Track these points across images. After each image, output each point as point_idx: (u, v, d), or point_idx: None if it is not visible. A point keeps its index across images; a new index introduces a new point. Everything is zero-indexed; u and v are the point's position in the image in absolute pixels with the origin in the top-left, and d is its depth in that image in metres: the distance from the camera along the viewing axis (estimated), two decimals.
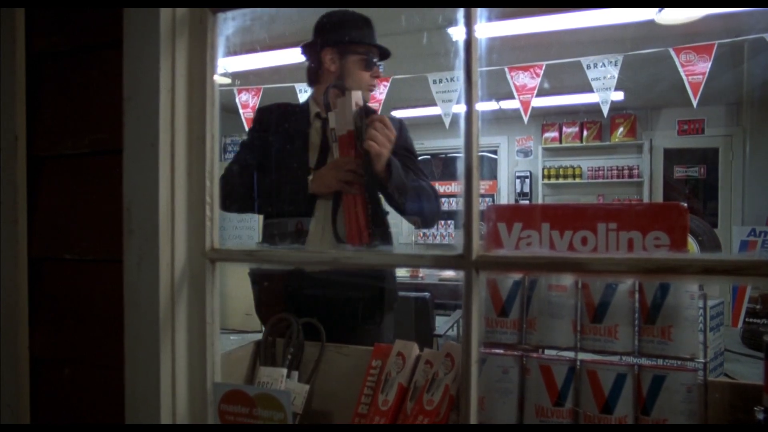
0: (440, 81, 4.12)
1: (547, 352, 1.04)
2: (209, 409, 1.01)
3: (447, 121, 4.09)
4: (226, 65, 3.81)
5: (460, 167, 0.83)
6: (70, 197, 1.12)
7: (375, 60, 1.73)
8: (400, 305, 3.08)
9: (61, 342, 1.13)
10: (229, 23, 1.00)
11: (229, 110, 4.73)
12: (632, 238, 1.00)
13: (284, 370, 1.25)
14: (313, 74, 1.78)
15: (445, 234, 7.21)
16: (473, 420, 0.81)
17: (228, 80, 4.41)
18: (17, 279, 1.12)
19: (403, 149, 1.73)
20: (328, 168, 1.59)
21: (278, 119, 1.79)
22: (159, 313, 0.98)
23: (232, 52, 1.06)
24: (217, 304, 1.04)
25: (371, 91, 1.78)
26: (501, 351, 1.05)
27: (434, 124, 6.21)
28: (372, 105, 4.28)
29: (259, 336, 1.38)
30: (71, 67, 1.08)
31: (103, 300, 1.06)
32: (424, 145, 7.16)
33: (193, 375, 1.03)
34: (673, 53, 3.48)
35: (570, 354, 1.01)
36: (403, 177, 1.58)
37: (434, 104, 4.20)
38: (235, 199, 1.76)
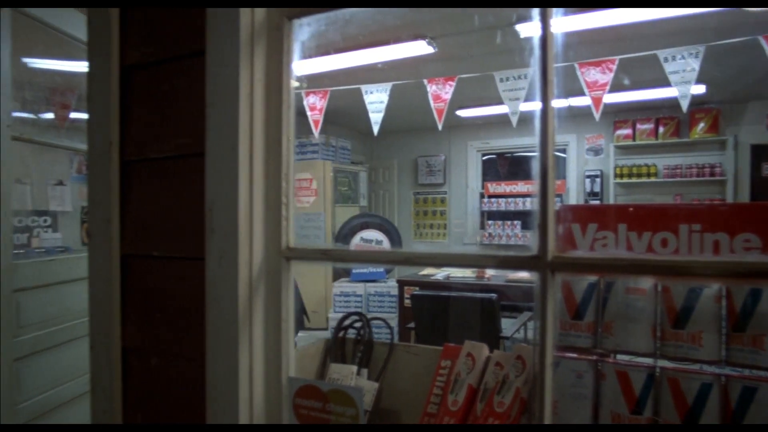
0: (507, 79, 4.04)
1: (622, 357, 1.01)
2: (284, 402, 1.05)
3: (514, 120, 4.01)
4: (295, 68, 3.91)
5: (536, 167, 0.82)
6: (156, 198, 1.19)
7: None
8: (466, 306, 3.06)
9: (148, 334, 1.21)
10: (305, 29, 1.04)
11: (297, 112, 4.86)
12: (718, 240, 0.94)
13: (354, 368, 1.27)
14: None
15: (511, 234, 7.09)
16: (547, 423, 0.80)
17: (296, 83, 4.53)
18: (111, 275, 1.21)
19: None
20: None
21: None
22: (238, 309, 1.02)
23: (306, 56, 1.10)
24: (292, 301, 1.08)
25: None
26: (575, 355, 1.02)
27: (499, 122, 6.12)
28: (438, 104, 4.27)
29: (326, 333, 1.42)
30: (158, 77, 1.15)
31: (186, 295, 1.13)
32: (490, 144, 7.06)
33: (269, 369, 1.07)
34: (763, 42, 3.24)
35: (649, 360, 0.97)
36: None
37: (501, 102, 4.13)
38: None
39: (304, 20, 1.03)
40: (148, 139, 1.18)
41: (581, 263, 0.81)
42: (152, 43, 1.16)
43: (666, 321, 0.96)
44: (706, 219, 0.98)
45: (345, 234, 5.26)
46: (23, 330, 2.02)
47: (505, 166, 8.42)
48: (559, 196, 6.62)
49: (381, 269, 5.19)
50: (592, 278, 1.02)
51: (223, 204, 1.02)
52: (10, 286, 1.95)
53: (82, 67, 2.53)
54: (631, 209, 1.08)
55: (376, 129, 4.44)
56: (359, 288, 5.08)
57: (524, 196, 6.80)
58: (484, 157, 7.45)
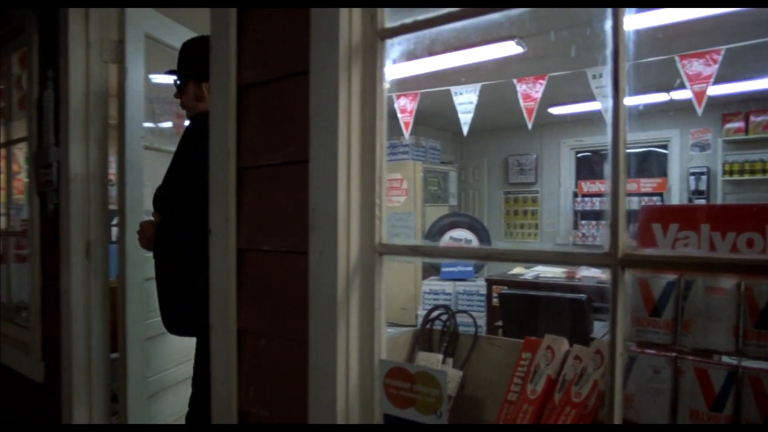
0: (600, 76, 3.95)
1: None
2: (376, 382, 1.18)
3: (608, 117, 3.90)
4: (387, 74, 4.06)
5: (607, 168, 0.88)
6: (267, 200, 1.36)
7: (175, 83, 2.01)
8: (555, 306, 3.05)
9: (259, 318, 1.38)
10: (396, 48, 1.15)
11: (388, 115, 5.02)
12: None
13: (440, 356, 1.37)
14: None
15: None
16: (617, 411, 0.86)
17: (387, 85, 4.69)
18: (229, 266, 1.40)
19: (181, 152, 1.90)
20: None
21: None
22: (336, 298, 1.16)
23: (397, 61, 1.21)
24: (384, 292, 1.20)
25: (192, 109, 2.00)
26: (653, 351, 1.06)
27: (593, 119, 5.93)
28: (528, 104, 4.24)
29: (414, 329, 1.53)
30: (269, 94, 1.32)
31: (291, 284, 1.28)
32: (584, 141, 6.85)
33: (362, 352, 1.20)
34: None
35: (729, 359, 0.98)
36: (156, 240, 1.85)
37: (593, 99, 4.04)
38: None
39: (396, 40, 1.14)
40: (259, 148, 1.36)
41: (651, 260, 0.85)
42: (263, 65, 1.32)
43: (748, 320, 0.97)
44: None
45: (434, 233, 5.36)
46: (152, 314, 2.32)
47: (601, 164, 8.09)
48: (660, 194, 6.28)
49: (470, 268, 5.24)
50: (671, 277, 1.05)
51: (323, 205, 1.16)
52: (142, 275, 2.25)
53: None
54: (714, 209, 1.09)
55: (465, 129, 4.49)
56: (448, 286, 5.15)
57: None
58: (579, 155, 7.23)
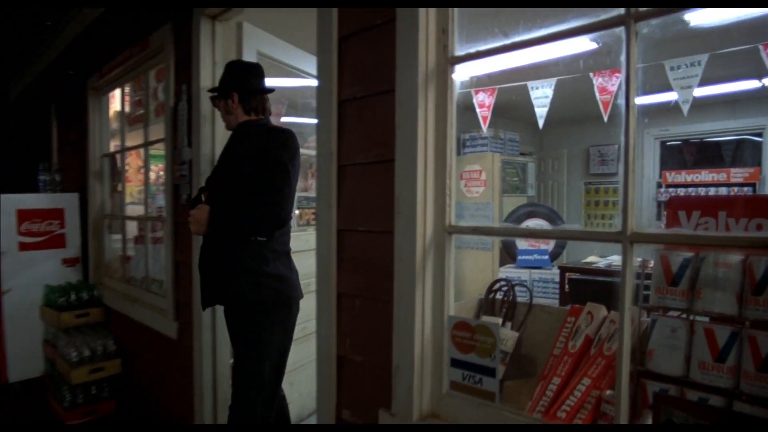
0: (679, 67, 3.99)
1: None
2: (445, 333, 1.50)
3: (685, 108, 3.94)
4: (465, 70, 4.30)
5: (622, 158, 1.13)
6: (360, 190, 1.71)
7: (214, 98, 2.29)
8: (597, 289, 3.22)
9: (354, 283, 1.74)
10: (462, 69, 1.46)
11: (469, 108, 5.25)
12: None
13: (500, 320, 1.67)
14: None
15: None
16: (626, 360, 1.12)
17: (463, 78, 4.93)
18: (330, 243, 1.77)
19: (265, 157, 2.07)
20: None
21: None
22: (415, 268, 1.49)
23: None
24: (452, 264, 1.52)
25: (224, 121, 2.30)
26: (670, 314, 1.30)
27: (678, 109, 5.82)
28: (604, 97, 4.33)
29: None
30: (362, 107, 1.67)
31: (380, 257, 1.63)
32: (670, 131, 6.71)
33: (435, 310, 1.53)
34: None
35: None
36: (216, 222, 2.05)
37: (671, 89, 4.08)
38: None
39: (464, 64, 1.45)
40: (355, 149, 1.71)
41: (653, 237, 1.11)
42: (358, 85, 1.67)
43: (748, 289, 1.19)
44: None
45: (512, 222, 5.54)
46: None
47: (693, 153, 7.83)
48: (752, 185, 6.03)
49: (546, 257, 5.39)
50: (688, 254, 1.28)
51: (406, 194, 1.49)
52: None
53: (290, 83, 3.24)
54: (730, 199, 1.31)
55: (541, 123, 4.64)
56: (524, 274, 5.34)
57: (708, 185, 6.33)
58: (669, 143, 7.05)
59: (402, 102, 1.50)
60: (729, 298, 1.22)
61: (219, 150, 2.64)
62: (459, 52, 1.45)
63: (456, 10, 1.46)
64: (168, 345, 2.92)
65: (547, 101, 4.58)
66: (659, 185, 6.82)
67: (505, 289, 1.75)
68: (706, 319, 1.26)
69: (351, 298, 1.75)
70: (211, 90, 2.33)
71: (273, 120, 3.46)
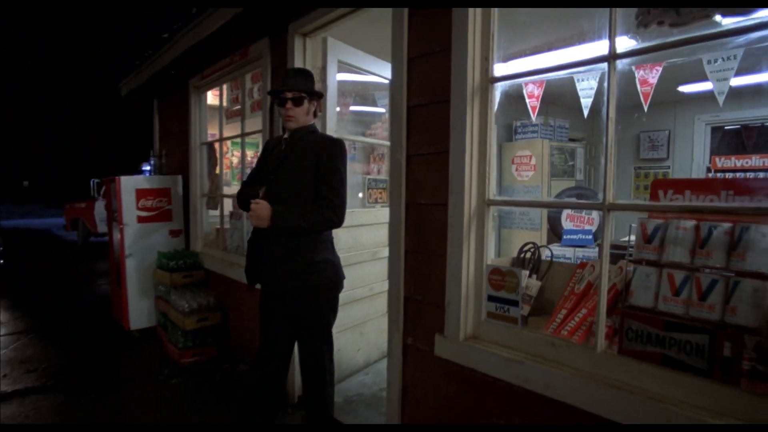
0: (716, 60, 4.31)
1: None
2: (483, 277, 2.07)
3: (721, 99, 4.28)
4: (513, 66, 4.76)
5: (603, 140, 1.66)
6: (423, 174, 2.29)
7: (283, 98, 2.34)
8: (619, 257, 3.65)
9: (416, 242, 2.33)
10: (503, 84, 2.01)
11: (520, 98, 5.70)
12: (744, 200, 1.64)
13: (527, 272, 2.22)
14: None
15: None
16: (603, 297, 1.66)
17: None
18: (400, 213, 2.37)
19: (324, 166, 2.29)
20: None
21: (274, 140, 2.57)
22: (463, 230, 2.06)
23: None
24: (490, 227, 2.08)
25: (288, 120, 2.38)
26: (646, 265, 1.82)
27: (730, 96, 6.01)
28: (645, 88, 4.69)
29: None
30: (425, 112, 2.24)
31: (437, 223, 2.21)
32: (720, 117, 6.87)
33: (476, 261, 2.10)
34: None
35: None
36: (279, 220, 2.23)
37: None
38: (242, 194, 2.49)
39: (503, 83, 2.00)
40: (419, 144, 2.29)
41: (626, 206, 1.63)
42: (422, 95, 2.25)
43: (697, 245, 1.70)
44: (737, 186, 1.68)
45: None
46: (340, 251, 3.41)
47: (753, 138, 7.89)
48: None
49: (590, 237, 5.79)
50: (659, 221, 1.79)
51: (457, 177, 2.06)
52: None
53: (357, 78, 3.82)
54: (692, 181, 1.80)
55: (586, 112, 5.02)
56: (569, 251, 5.78)
57: (757, 170, 6.48)
58: (727, 127, 7.20)
59: (455, 109, 2.06)
60: (684, 251, 1.73)
61: None
62: (497, 74, 2.00)
63: (495, 41, 2.00)
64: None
65: (592, 92, 4.97)
66: (708, 170, 7.00)
67: (532, 249, 2.30)
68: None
69: (415, 254, 2.34)
70: (301, 91, 2.35)
71: (342, 109, 4.04)
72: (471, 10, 1.99)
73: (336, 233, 3.18)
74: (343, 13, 2.83)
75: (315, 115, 2.47)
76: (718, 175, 6.74)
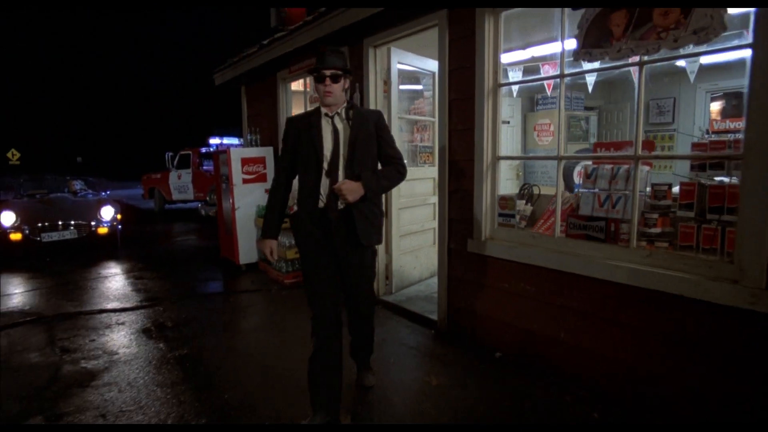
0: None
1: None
2: (495, 203, 3.49)
3: (692, 77, 5.40)
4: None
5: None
6: (458, 142, 3.69)
7: (324, 75, 2.49)
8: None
9: (455, 184, 3.75)
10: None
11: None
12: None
13: (523, 201, 3.62)
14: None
15: None
16: (558, 208, 3.06)
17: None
18: (445, 167, 3.80)
19: (382, 131, 2.67)
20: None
21: (303, 119, 2.69)
22: (483, 175, 3.47)
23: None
24: (500, 172, 3.48)
25: (326, 96, 2.52)
26: (586, 191, 3.19)
27: (726, 67, 7.05)
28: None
29: None
30: (460, 104, 3.63)
31: (467, 171, 3.62)
32: (719, 85, 7.89)
33: (492, 194, 3.52)
34: None
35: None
36: (374, 187, 2.53)
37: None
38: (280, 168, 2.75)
39: (504, 88, 3.37)
40: (455, 123, 3.69)
41: (570, 157, 3.00)
42: (458, 92, 3.64)
43: (611, 178, 3.06)
44: (621, 146, 3.04)
45: (571, 163, 7.22)
46: (401, 198, 4.86)
47: (739, 104, 8.83)
48: None
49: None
50: (595, 165, 3.16)
51: (479, 142, 3.46)
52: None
53: (408, 68, 5.19)
54: (612, 143, 3.16)
55: (590, 88, 6.24)
56: None
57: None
58: (728, 93, 8.24)
59: (477, 102, 3.45)
60: (606, 182, 3.10)
61: None
62: (503, 81, 3.37)
63: (501, 62, 3.36)
64: None
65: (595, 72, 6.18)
66: (706, 131, 8.10)
67: (527, 187, 3.69)
68: (597, 190, 3.14)
69: (454, 192, 3.77)
70: (337, 68, 2.50)
71: (394, 88, 5.37)
72: (486, 43, 3.35)
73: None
74: (400, 36, 4.21)
75: (348, 90, 2.63)
76: (714, 136, 7.84)
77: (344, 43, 4.88)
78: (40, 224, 7.49)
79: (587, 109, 8.37)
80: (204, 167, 13.70)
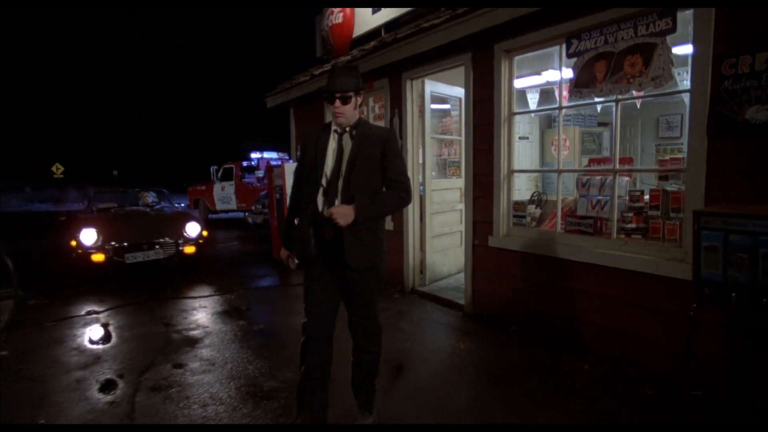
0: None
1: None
2: (510, 206, 4.39)
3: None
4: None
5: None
6: (481, 159, 4.60)
7: (334, 96, 2.46)
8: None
9: (478, 192, 4.66)
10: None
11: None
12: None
13: (533, 206, 4.51)
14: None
15: None
16: (559, 213, 3.95)
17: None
18: (470, 178, 4.71)
19: (390, 154, 2.52)
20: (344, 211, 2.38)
21: (314, 132, 2.65)
22: (501, 185, 4.37)
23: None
24: (514, 184, 4.39)
25: (337, 117, 2.50)
26: (581, 197, 4.07)
27: None
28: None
29: None
30: (482, 128, 4.54)
31: (488, 182, 4.52)
32: None
33: (508, 200, 4.42)
34: None
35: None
36: (366, 213, 2.42)
37: None
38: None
39: (518, 116, 4.28)
40: (480, 142, 4.60)
41: (569, 170, 3.89)
42: (480, 119, 4.56)
43: (600, 186, 3.94)
44: (606, 161, 3.91)
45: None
46: (433, 205, 5.78)
47: None
48: None
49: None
50: (587, 177, 4.03)
51: (497, 160, 4.37)
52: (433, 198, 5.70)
53: (438, 92, 6.13)
54: (600, 158, 4.04)
55: (598, 109, 7.05)
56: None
57: None
58: None
59: (495, 128, 4.36)
60: (596, 189, 3.97)
61: (411, 143, 5.65)
62: (516, 110, 4.28)
63: (516, 96, 4.27)
64: (388, 235, 6.06)
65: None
66: None
67: (537, 194, 4.58)
68: (589, 195, 4.02)
69: (478, 198, 4.67)
70: (346, 91, 2.46)
71: (427, 112, 6.30)
72: (502, 80, 4.26)
73: (429, 193, 5.55)
74: (433, 72, 5.17)
75: (356, 107, 2.54)
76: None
77: (386, 76, 5.85)
78: (123, 243, 6.66)
79: (600, 125, 9.18)
80: (246, 179, 14.84)
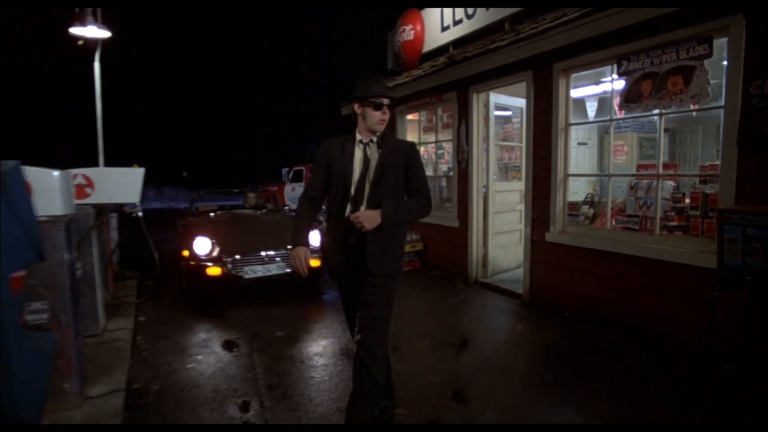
0: None
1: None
2: (565, 205, 4.96)
3: None
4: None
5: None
6: (539, 164, 5.19)
7: (381, 103, 2.52)
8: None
9: (537, 192, 5.26)
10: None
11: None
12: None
13: (587, 206, 5.06)
14: (354, 118, 2.67)
15: None
16: (609, 212, 4.51)
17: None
18: (530, 181, 5.32)
19: (413, 164, 2.60)
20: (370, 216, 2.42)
21: (337, 144, 2.67)
22: (557, 186, 4.96)
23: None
24: (569, 185, 4.96)
25: (382, 124, 2.55)
26: (630, 197, 4.60)
27: None
28: None
29: None
30: (541, 137, 5.15)
31: (546, 183, 5.11)
32: None
33: (564, 199, 5.00)
34: None
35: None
36: (392, 217, 2.45)
37: None
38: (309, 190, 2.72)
39: (573, 127, 4.87)
40: (539, 149, 5.20)
41: (622, 174, 4.44)
42: (539, 129, 5.16)
43: (647, 188, 4.46)
44: (653, 166, 4.43)
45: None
46: (495, 206, 6.40)
47: None
48: None
49: None
50: (636, 180, 4.56)
51: (554, 164, 4.96)
52: (491, 198, 6.33)
53: (500, 102, 6.73)
54: (645, 165, 4.56)
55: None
56: None
57: None
58: None
59: (553, 137, 4.95)
60: (643, 191, 4.49)
61: (476, 148, 6.30)
62: (571, 121, 4.86)
63: (571, 107, 4.85)
64: (453, 231, 6.73)
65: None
66: None
67: (590, 196, 5.13)
68: (636, 197, 4.55)
69: (536, 198, 5.27)
70: (392, 99, 2.59)
71: (491, 121, 6.92)
72: (560, 95, 4.85)
73: (491, 195, 6.18)
74: (497, 86, 5.81)
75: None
76: None
77: (454, 89, 6.53)
78: (239, 255, 5.52)
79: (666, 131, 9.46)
80: None
